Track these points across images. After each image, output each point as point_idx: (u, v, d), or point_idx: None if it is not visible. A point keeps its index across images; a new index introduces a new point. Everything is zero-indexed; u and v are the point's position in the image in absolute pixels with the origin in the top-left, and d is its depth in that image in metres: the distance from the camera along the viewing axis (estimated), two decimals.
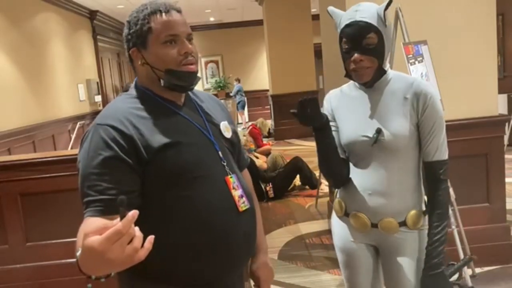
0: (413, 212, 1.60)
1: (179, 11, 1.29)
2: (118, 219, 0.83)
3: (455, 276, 1.60)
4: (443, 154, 1.57)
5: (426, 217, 1.62)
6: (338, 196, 1.74)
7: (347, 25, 1.51)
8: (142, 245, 0.86)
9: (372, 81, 1.56)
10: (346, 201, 1.69)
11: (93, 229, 0.86)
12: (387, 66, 1.57)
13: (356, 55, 1.50)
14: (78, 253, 0.92)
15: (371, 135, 1.56)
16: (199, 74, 1.33)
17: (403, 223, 1.60)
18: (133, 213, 0.83)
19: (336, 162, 1.64)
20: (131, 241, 0.84)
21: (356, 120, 1.61)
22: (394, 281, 1.65)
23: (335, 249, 1.79)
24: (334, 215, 1.78)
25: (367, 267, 1.71)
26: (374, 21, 1.48)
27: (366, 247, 1.69)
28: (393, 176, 1.58)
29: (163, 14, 1.26)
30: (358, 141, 1.59)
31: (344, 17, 1.54)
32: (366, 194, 1.60)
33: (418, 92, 1.54)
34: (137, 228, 0.86)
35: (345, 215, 1.69)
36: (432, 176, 1.57)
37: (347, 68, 1.56)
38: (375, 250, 1.71)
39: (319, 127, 1.59)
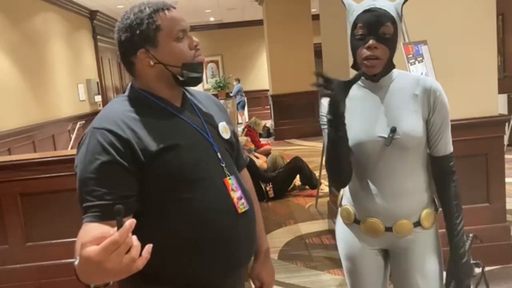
0: (426, 211, 1.57)
1: (174, 7, 1.28)
2: (116, 228, 0.82)
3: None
4: (451, 147, 1.57)
5: (437, 214, 1.60)
6: (344, 203, 1.67)
7: (365, 11, 1.45)
8: (140, 253, 0.85)
9: (380, 75, 1.50)
10: (355, 207, 1.61)
11: (91, 238, 0.85)
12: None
13: (371, 41, 1.44)
14: (76, 262, 0.91)
15: (384, 135, 1.49)
16: None
17: (417, 224, 1.56)
18: (131, 223, 0.82)
19: (347, 158, 1.52)
20: (128, 250, 0.84)
21: (364, 120, 1.53)
22: (409, 281, 1.60)
23: (340, 256, 1.72)
24: (339, 222, 1.71)
25: (375, 275, 1.66)
26: (393, 12, 1.46)
27: (375, 253, 1.64)
28: (406, 175, 1.53)
29: (166, 11, 1.25)
30: (370, 142, 1.51)
31: (359, 6, 1.49)
32: (380, 197, 1.53)
33: (427, 88, 1.52)
34: (134, 237, 0.85)
35: (354, 222, 1.62)
36: (443, 170, 1.55)
37: (357, 58, 1.49)
38: (385, 255, 1.66)
39: (337, 115, 1.43)
